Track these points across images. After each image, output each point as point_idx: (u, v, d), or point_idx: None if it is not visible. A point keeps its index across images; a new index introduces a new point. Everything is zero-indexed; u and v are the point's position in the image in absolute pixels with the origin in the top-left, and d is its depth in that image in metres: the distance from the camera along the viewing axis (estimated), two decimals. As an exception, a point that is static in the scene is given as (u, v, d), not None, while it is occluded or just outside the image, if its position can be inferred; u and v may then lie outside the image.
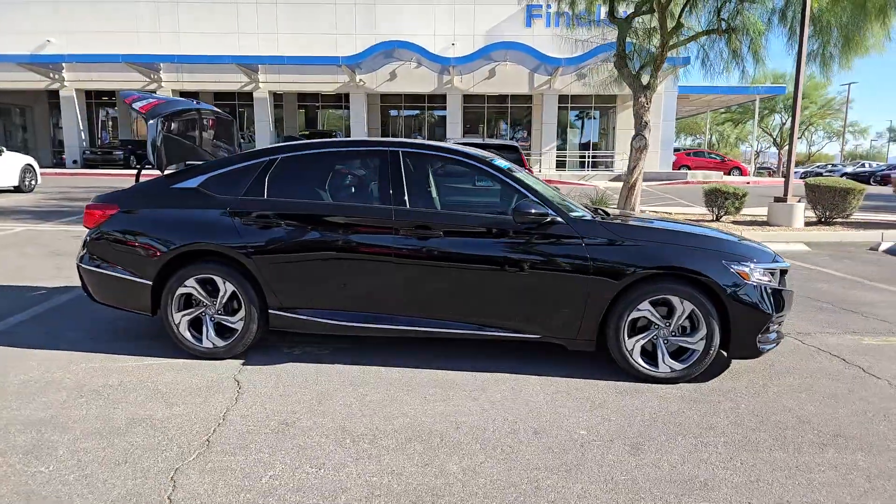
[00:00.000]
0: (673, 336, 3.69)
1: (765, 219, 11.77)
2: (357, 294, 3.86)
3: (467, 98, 28.38)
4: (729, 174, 30.21)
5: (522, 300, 3.73)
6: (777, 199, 11.51)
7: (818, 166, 42.64)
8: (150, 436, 2.93)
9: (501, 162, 4.16)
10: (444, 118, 28.54)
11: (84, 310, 5.08)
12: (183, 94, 29.18)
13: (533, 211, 3.63)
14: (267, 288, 3.88)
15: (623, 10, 13.05)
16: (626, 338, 3.68)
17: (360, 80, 27.42)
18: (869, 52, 12.45)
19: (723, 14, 12.18)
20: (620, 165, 29.64)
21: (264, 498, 2.44)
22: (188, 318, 3.97)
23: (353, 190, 4.19)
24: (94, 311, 5.04)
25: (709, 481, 2.61)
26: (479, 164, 4.00)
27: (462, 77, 27.13)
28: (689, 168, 30.43)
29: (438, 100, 29.45)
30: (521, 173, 4.11)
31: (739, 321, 3.60)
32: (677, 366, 3.68)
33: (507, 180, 3.91)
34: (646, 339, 3.71)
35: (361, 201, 3.99)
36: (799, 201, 11.41)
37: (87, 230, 4.15)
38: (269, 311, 3.93)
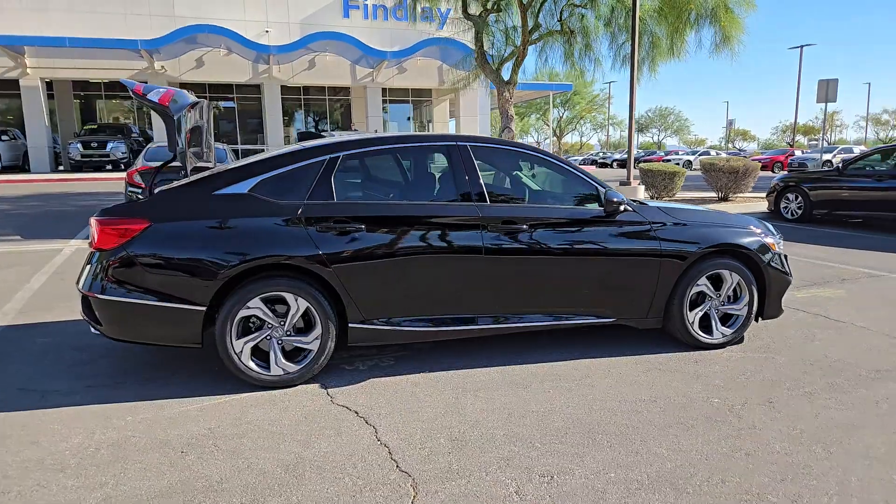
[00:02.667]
0: (723, 305, 4.18)
1: (612, 201, 13.37)
2: (443, 296, 3.69)
3: (285, 90, 27.06)
4: (532, 162, 33.26)
5: (607, 286, 3.91)
6: (623, 183, 13.14)
7: (592, 154, 48.93)
8: (331, 480, 2.54)
9: (557, 155, 4.27)
10: (259, 110, 26.88)
11: (38, 351, 4.04)
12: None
13: (615, 200, 3.83)
14: (349, 300, 3.50)
15: (472, 9, 13.68)
16: (689, 311, 4.08)
17: (162, 66, 24.57)
18: (674, 58, 14.73)
19: (563, 17, 13.48)
20: (440, 156, 30.85)
21: (545, 515, 2.31)
22: (251, 344, 3.42)
23: (423, 187, 3.94)
24: (47, 352, 4.03)
25: (845, 423, 3.08)
26: (544, 157, 4.08)
27: (281, 67, 25.82)
28: (499, 157, 32.83)
29: (253, 90, 27.68)
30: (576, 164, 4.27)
31: (773, 286, 4.21)
32: (727, 331, 4.18)
33: (576, 172, 4.03)
34: (702, 311, 4.14)
35: (437, 198, 3.77)
36: (640, 184, 13.18)
37: (102, 252, 3.30)
38: (350, 325, 3.56)
